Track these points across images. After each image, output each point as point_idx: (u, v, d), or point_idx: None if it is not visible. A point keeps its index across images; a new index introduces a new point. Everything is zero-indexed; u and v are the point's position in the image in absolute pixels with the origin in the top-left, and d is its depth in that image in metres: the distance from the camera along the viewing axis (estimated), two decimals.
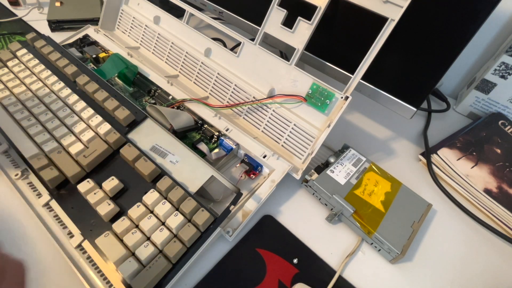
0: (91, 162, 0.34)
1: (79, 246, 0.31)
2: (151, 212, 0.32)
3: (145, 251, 0.29)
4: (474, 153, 0.48)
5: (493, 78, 0.54)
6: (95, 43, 0.54)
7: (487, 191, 0.43)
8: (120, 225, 0.30)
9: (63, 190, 0.34)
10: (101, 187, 0.33)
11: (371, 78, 0.42)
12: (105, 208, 0.31)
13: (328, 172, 0.40)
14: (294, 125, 0.41)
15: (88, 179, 0.33)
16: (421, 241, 0.39)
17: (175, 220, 0.31)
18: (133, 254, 0.29)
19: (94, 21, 0.58)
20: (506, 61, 0.51)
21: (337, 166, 0.41)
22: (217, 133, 0.42)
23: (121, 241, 0.30)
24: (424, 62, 0.39)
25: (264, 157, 0.39)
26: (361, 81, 0.40)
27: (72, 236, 0.32)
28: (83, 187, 0.33)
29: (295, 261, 0.35)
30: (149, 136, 0.38)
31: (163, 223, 0.31)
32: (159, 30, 0.51)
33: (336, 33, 0.42)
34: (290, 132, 0.41)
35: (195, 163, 0.36)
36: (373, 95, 0.43)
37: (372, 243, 0.37)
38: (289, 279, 0.33)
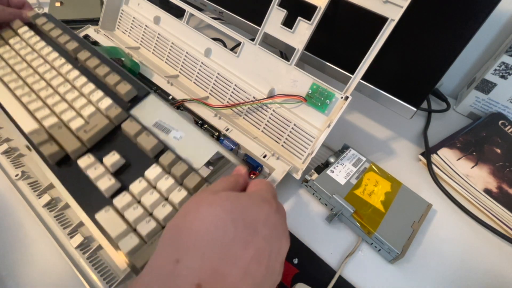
0: (91, 137, 0.33)
1: (79, 246, 0.31)
2: (154, 187, 0.31)
3: (146, 227, 0.28)
4: (474, 153, 0.48)
5: (493, 78, 0.54)
6: (95, 43, 0.54)
7: (487, 191, 0.43)
8: (121, 200, 0.29)
9: (64, 166, 0.33)
10: (102, 162, 0.32)
11: (371, 78, 0.42)
12: (106, 183, 0.30)
13: (328, 172, 0.40)
14: (294, 125, 0.41)
15: (89, 154, 0.32)
16: (421, 241, 0.39)
17: (178, 195, 0.30)
18: (135, 230, 0.28)
19: (94, 21, 0.58)
20: (506, 61, 0.51)
21: (337, 166, 0.41)
22: (217, 133, 0.42)
23: (122, 216, 0.29)
24: (424, 62, 0.39)
25: (264, 157, 0.39)
26: (361, 81, 0.40)
27: (72, 236, 0.32)
28: (83, 162, 0.32)
29: (295, 261, 0.35)
30: (152, 112, 0.37)
31: (166, 199, 0.30)
32: (159, 30, 0.51)
33: (336, 33, 0.42)
34: (290, 132, 0.41)
35: (199, 139, 0.35)
36: (373, 95, 0.43)
37: (372, 243, 0.37)
38: (289, 279, 0.33)
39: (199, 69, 0.47)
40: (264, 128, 0.43)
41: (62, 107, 0.36)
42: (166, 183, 0.31)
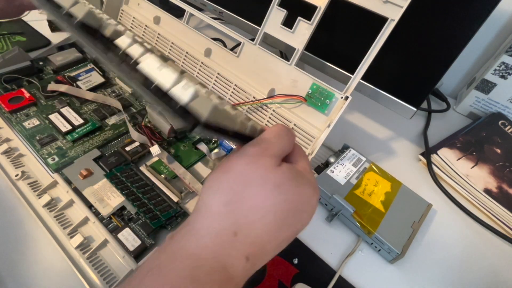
0: None
1: (79, 246, 0.31)
2: None
3: None
4: (474, 153, 0.48)
5: (493, 78, 0.54)
6: None
7: (487, 191, 0.43)
8: None
9: None
10: None
11: (371, 78, 0.42)
12: None
13: (328, 172, 0.40)
14: (294, 125, 0.41)
15: None
16: (421, 241, 0.39)
17: None
18: None
19: None
20: (506, 61, 0.51)
21: (337, 166, 0.41)
22: None
23: None
24: (424, 62, 0.39)
25: None
26: (361, 81, 0.40)
27: (72, 236, 0.32)
28: None
29: (295, 261, 0.35)
30: None
31: None
32: (159, 30, 0.51)
33: (336, 33, 0.42)
34: None
35: None
36: (373, 95, 0.43)
37: (372, 243, 0.37)
38: (289, 279, 0.33)
39: (199, 69, 0.47)
40: None
41: None
42: None
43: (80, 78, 0.47)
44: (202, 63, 0.47)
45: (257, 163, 0.21)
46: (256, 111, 0.43)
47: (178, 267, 0.18)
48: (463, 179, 0.45)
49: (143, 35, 0.53)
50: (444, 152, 0.48)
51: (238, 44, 0.44)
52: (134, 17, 0.53)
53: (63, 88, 0.45)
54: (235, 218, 0.20)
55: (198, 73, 0.48)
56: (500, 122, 0.54)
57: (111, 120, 0.44)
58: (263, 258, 0.21)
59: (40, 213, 0.33)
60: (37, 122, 0.41)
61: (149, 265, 0.18)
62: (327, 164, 0.42)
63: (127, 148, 0.39)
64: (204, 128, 0.18)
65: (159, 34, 0.51)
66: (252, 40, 0.42)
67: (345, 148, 0.45)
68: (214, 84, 0.46)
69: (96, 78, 0.48)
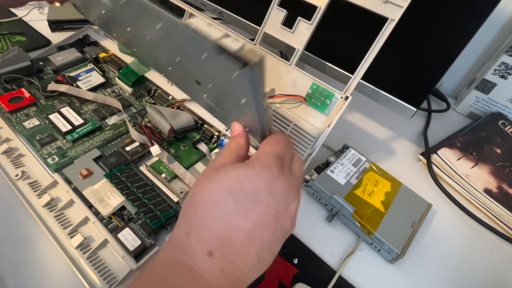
0: None
1: (79, 246, 0.31)
2: None
3: None
4: (474, 153, 0.48)
5: (493, 78, 0.54)
6: (95, 43, 0.54)
7: (487, 191, 0.43)
8: None
9: None
10: None
11: (371, 78, 0.42)
12: None
13: (328, 172, 0.40)
14: (294, 125, 0.41)
15: None
16: (421, 241, 0.39)
17: None
18: None
19: None
20: (506, 61, 0.51)
21: (337, 166, 0.41)
22: (217, 133, 0.42)
23: None
24: (424, 62, 0.39)
25: None
26: (361, 81, 0.40)
27: (72, 236, 0.32)
28: None
29: (295, 261, 0.35)
30: None
31: None
32: None
33: (336, 33, 0.42)
34: (290, 132, 0.41)
35: None
36: (373, 95, 0.43)
37: (372, 243, 0.37)
38: (289, 279, 0.33)
39: None
40: None
41: None
42: None
43: (80, 78, 0.47)
44: None
45: (201, 174, 0.23)
46: None
47: (145, 279, 0.20)
48: (463, 179, 0.45)
49: None
50: (444, 152, 0.48)
51: None
52: None
53: (63, 88, 0.45)
54: (187, 222, 0.21)
55: None
56: (500, 122, 0.54)
57: (111, 120, 0.44)
58: (234, 251, 0.20)
59: (40, 213, 0.33)
60: (37, 122, 0.41)
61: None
62: (327, 164, 0.42)
63: (127, 148, 0.39)
64: (251, 71, 0.19)
65: None
66: (252, 40, 0.42)
67: (345, 148, 0.45)
68: None
69: (96, 78, 0.48)
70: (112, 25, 0.41)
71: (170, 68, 0.34)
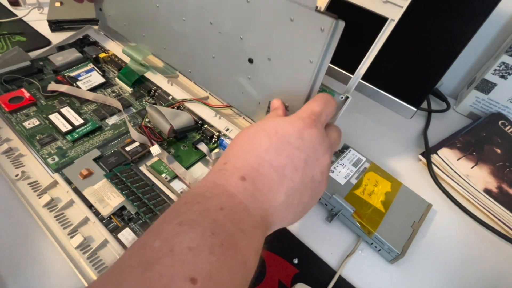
0: None
1: (79, 246, 0.31)
2: None
3: None
4: (474, 153, 0.48)
5: (493, 78, 0.54)
6: (95, 43, 0.54)
7: (487, 191, 0.43)
8: None
9: None
10: None
11: (371, 78, 0.42)
12: None
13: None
14: None
15: None
16: (421, 241, 0.39)
17: None
18: None
19: (94, 21, 0.58)
20: (506, 61, 0.51)
21: (337, 166, 0.41)
22: (217, 133, 0.42)
23: None
24: (424, 62, 0.39)
25: None
26: (361, 81, 0.40)
27: (72, 236, 0.32)
28: None
29: (295, 261, 0.35)
30: None
31: None
32: None
33: None
34: None
35: None
36: (373, 95, 0.43)
37: (372, 243, 0.37)
38: (289, 279, 0.33)
39: None
40: None
41: None
42: None
43: (80, 78, 0.47)
44: None
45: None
46: None
47: (192, 192, 0.22)
48: (463, 179, 0.45)
49: None
50: (444, 152, 0.48)
51: None
52: None
53: (63, 88, 0.45)
54: (225, 155, 0.25)
55: None
56: (500, 122, 0.54)
57: (111, 120, 0.44)
58: (264, 182, 0.23)
59: (40, 213, 0.33)
60: (37, 122, 0.41)
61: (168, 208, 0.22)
62: None
63: (127, 148, 0.39)
64: (342, 22, 0.25)
65: None
66: None
67: (345, 148, 0.45)
68: None
69: (96, 78, 0.48)
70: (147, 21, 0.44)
71: (213, 56, 0.37)
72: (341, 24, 0.25)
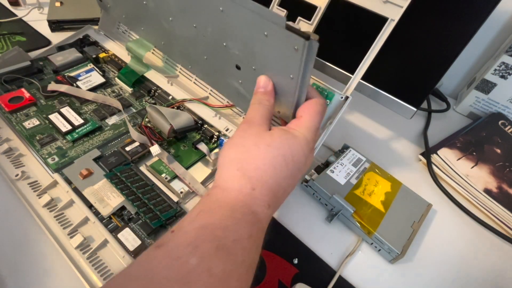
0: None
1: (79, 246, 0.31)
2: None
3: None
4: (474, 153, 0.48)
5: (493, 78, 0.54)
6: (95, 43, 0.54)
7: (487, 191, 0.43)
8: None
9: None
10: None
11: (371, 78, 0.42)
12: None
13: (328, 172, 0.40)
14: None
15: None
16: (421, 241, 0.39)
17: None
18: None
19: (94, 21, 0.58)
20: (506, 61, 0.51)
21: (337, 166, 0.41)
22: (217, 133, 0.42)
23: None
24: (424, 62, 0.39)
25: None
26: (361, 81, 0.40)
27: (72, 236, 0.32)
28: None
29: (295, 261, 0.35)
30: None
31: None
32: None
33: (336, 33, 0.42)
34: None
35: None
36: (373, 95, 0.43)
37: (372, 243, 0.37)
38: (289, 279, 0.33)
39: None
40: None
41: None
42: None
43: (80, 78, 0.47)
44: None
45: (251, 133, 0.27)
46: None
47: (221, 210, 0.23)
48: (463, 179, 0.45)
49: None
50: (444, 152, 0.48)
51: None
52: None
53: (63, 88, 0.45)
54: (248, 178, 0.25)
55: None
56: (500, 122, 0.54)
57: (111, 120, 0.44)
58: (277, 204, 0.27)
59: (40, 213, 0.33)
60: (37, 122, 0.41)
61: (197, 210, 0.23)
62: (327, 164, 0.42)
63: (127, 148, 0.39)
64: (315, 43, 0.24)
65: None
66: None
67: (345, 148, 0.45)
68: None
69: (96, 78, 0.48)
70: (144, 18, 0.44)
71: (205, 57, 0.37)
72: (315, 44, 0.24)
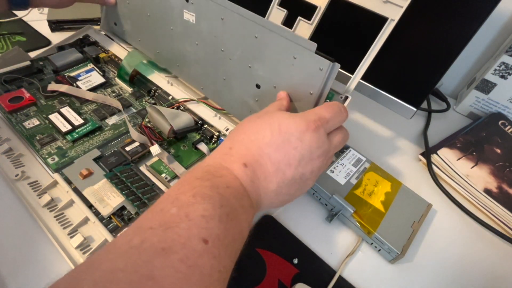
0: None
1: (79, 246, 0.31)
2: None
3: None
4: (474, 153, 0.48)
5: (493, 78, 0.54)
6: (95, 43, 0.54)
7: (487, 191, 0.43)
8: None
9: None
10: None
11: (371, 78, 0.42)
12: None
13: (328, 172, 0.40)
14: None
15: None
16: (421, 241, 0.39)
17: None
18: None
19: (94, 21, 0.58)
20: (506, 61, 0.51)
21: (337, 166, 0.41)
22: (217, 133, 0.42)
23: None
24: (424, 62, 0.39)
25: None
26: (361, 81, 0.40)
27: (72, 236, 0.32)
28: None
29: (295, 261, 0.35)
30: None
31: None
32: None
33: (336, 33, 0.42)
34: None
35: None
36: (373, 95, 0.43)
37: (372, 243, 0.37)
38: (289, 279, 0.33)
39: None
40: None
41: None
42: None
43: (80, 78, 0.47)
44: None
45: (253, 115, 0.29)
46: None
47: (200, 167, 0.25)
48: (463, 179, 0.45)
49: None
50: (444, 152, 0.48)
51: None
52: None
53: (63, 88, 0.45)
54: (232, 140, 0.27)
55: None
56: (500, 122, 0.54)
57: (111, 120, 0.44)
58: (261, 171, 0.26)
59: (40, 213, 0.33)
60: (37, 122, 0.41)
61: (179, 182, 0.25)
62: None
63: (127, 148, 0.39)
64: (336, 65, 0.30)
65: None
66: None
67: (345, 148, 0.45)
68: None
69: (96, 78, 0.48)
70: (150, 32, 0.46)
71: (224, 78, 0.40)
72: (337, 65, 0.30)
